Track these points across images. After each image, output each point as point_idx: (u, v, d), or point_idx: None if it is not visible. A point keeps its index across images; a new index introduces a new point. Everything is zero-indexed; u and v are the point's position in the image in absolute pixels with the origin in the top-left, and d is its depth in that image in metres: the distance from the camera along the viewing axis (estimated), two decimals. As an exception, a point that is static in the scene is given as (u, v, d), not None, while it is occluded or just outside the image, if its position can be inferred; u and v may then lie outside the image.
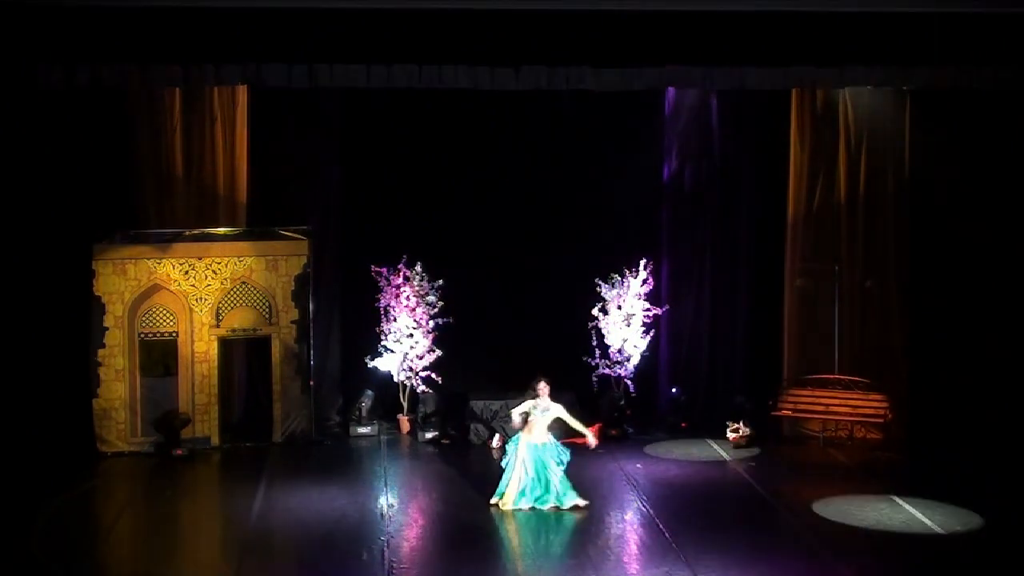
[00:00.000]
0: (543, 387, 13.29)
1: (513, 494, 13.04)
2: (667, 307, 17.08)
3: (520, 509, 12.94)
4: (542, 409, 13.22)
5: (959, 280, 16.11)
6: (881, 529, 12.49)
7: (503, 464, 13.29)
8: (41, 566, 11.48)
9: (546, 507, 12.97)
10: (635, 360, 16.74)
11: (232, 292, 16.11)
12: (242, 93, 16.38)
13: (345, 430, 16.68)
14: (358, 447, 16.13)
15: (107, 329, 15.66)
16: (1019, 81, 14.58)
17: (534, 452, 13.11)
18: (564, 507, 12.99)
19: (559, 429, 13.66)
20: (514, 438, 13.31)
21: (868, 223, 16.69)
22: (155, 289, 15.89)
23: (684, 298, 17.56)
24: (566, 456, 13.23)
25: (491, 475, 14.56)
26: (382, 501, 13.55)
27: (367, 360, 16.63)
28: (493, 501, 13.16)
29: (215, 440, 15.98)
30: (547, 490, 13.02)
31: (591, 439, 13.62)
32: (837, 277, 16.61)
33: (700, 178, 17.53)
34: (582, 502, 13.08)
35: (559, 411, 13.31)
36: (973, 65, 14.30)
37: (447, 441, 16.36)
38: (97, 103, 15.49)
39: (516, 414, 13.40)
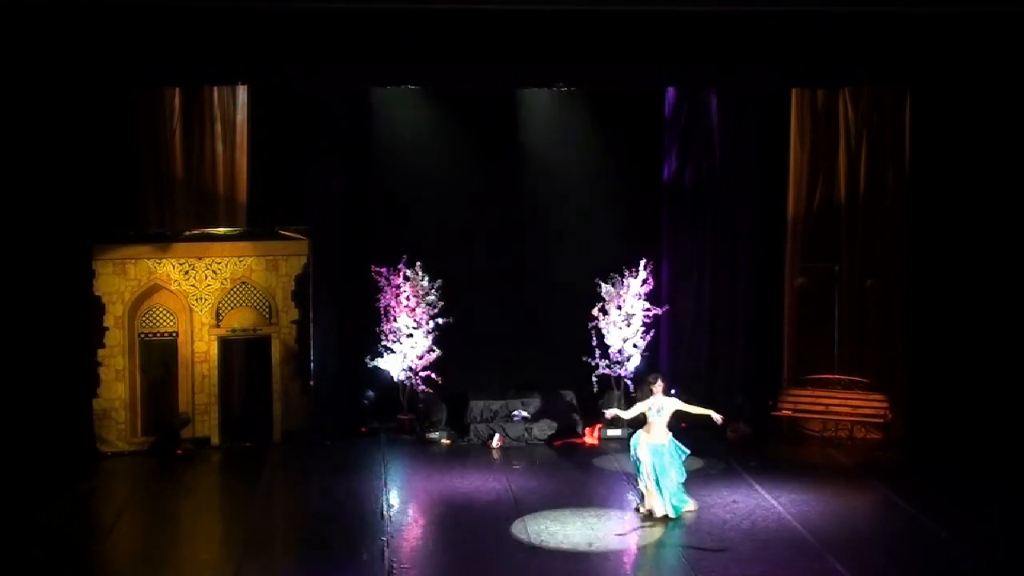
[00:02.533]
0: (658, 384, 12.95)
1: (660, 500, 12.68)
2: (667, 307, 17.07)
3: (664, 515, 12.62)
4: (657, 409, 12.85)
5: (959, 280, 16.09)
6: (875, 531, 12.51)
7: (637, 475, 12.89)
8: (41, 566, 11.49)
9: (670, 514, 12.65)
10: (635, 360, 16.73)
11: (232, 292, 16.12)
12: (242, 93, 16.36)
13: (345, 430, 16.68)
14: (358, 447, 16.12)
15: (107, 329, 15.68)
16: (1019, 81, 14.57)
17: (656, 455, 12.74)
18: (677, 515, 12.69)
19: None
20: (634, 441, 12.94)
21: (868, 223, 16.69)
22: (155, 289, 15.90)
23: (684, 298, 17.56)
24: (685, 452, 12.95)
25: (491, 475, 14.57)
26: (382, 501, 13.56)
27: (367, 360, 16.63)
28: (643, 511, 12.78)
29: (215, 440, 15.99)
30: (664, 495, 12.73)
31: (716, 417, 13.08)
32: (837, 277, 16.62)
33: (700, 178, 17.52)
34: (693, 506, 12.88)
35: (676, 404, 12.93)
36: (973, 65, 14.28)
37: (447, 441, 16.37)
38: (97, 103, 15.49)
39: (630, 414, 13.21)
